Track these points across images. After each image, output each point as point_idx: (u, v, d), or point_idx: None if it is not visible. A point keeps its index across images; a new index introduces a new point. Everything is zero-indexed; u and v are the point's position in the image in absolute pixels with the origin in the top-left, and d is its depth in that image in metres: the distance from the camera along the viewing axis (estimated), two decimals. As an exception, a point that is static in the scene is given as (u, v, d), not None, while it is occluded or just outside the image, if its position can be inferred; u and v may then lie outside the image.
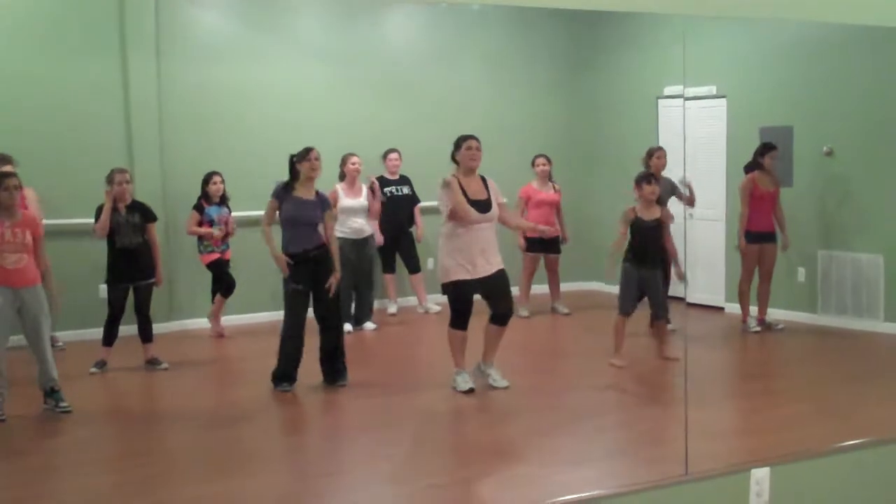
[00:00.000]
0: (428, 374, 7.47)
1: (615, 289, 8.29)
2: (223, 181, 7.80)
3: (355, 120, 8.77)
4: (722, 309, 8.82)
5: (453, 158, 7.01)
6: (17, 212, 6.14)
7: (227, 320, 7.89)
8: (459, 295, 6.79)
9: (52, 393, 6.20)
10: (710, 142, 8.55)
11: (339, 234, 7.74)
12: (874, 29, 5.61)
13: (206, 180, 7.77)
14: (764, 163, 8.03)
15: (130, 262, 6.90)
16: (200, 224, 7.73)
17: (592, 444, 5.88)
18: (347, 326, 8.03)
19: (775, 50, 8.21)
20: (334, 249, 7.15)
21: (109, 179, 6.94)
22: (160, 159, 7.75)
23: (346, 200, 8.22)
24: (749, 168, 8.11)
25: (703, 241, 8.50)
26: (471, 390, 6.72)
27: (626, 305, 7.36)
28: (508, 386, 6.82)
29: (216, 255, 7.77)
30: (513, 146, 9.72)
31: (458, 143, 6.99)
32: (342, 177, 8.31)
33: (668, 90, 8.84)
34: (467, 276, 6.73)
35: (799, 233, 8.00)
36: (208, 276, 7.78)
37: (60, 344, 6.97)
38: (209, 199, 7.76)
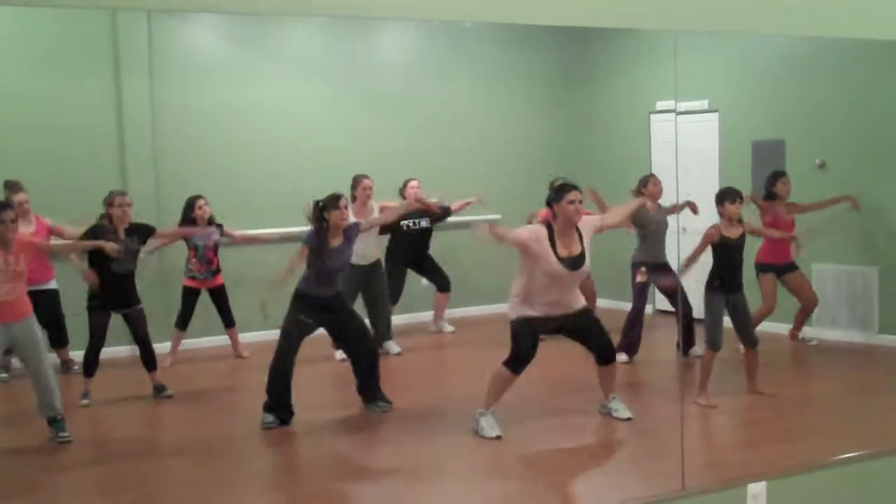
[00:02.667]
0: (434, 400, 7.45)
1: (608, 303, 8.34)
2: (208, 203, 7.62)
3: (349, 137, 8.78)
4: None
5: (549, 204, 6.22)
6: (11, 240, 5.91)
7: (195, 343, 7.82)
8: (524, 332, 6.12)
9: (53, 422, 6.06)
10: (703, 156, 8.57)
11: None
12: (865, 43, 5.64)
13: (191, 205, 7.58)
14: (779, 190, 7.77)
15: (119, 289, 6.68)
16: (188, 249, 7.55)
17: (589, 460, 5.88)
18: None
19: (767, 64, 8.24)
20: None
21: (109, 202, 6.70)
22: (154, 178, 7.76)
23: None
24: (765, 199, 7.83)
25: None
26: (498, 437, 6.05)
27: (718, 339, 6.73)
28: (631, 418, 6.34)
29: (200, 283, 7.60)
30: (506, 161, 9.76)
31: (560, 192, 6.13)
32: (352, 199, 7.97)
33: (660, 105, 8.87)
34: (537, 314, 6.12)
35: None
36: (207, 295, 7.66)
37: (76, 368, 6.89)
38: (196, 224, 7.57)
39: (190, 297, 7.60)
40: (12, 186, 6.91)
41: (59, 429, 6.06)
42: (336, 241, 6.60)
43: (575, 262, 6.03)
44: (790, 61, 7.98)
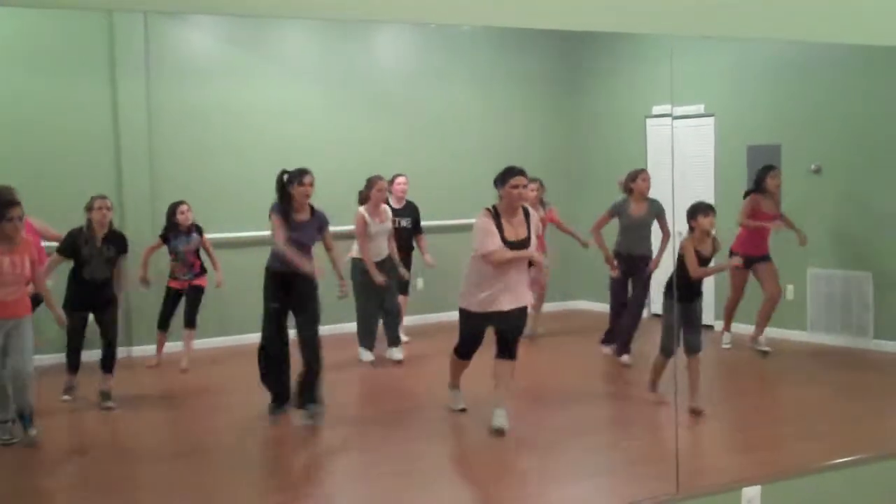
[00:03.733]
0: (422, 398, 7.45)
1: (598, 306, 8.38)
2: (190, 209, 7.55)
3: (347, 140, 8.75)
4: (711, 327, 8.83)
5: (496, 185, 6.60)
6: (17, 240, 5.88)
7: (207, 343, 7.69)
8: (470, 326, 6.63)
9: (21, 418, 6.00)
10: (699, 160, 8.57)
11: (361, 256, 7.77)
12: (861, 48, 5.65)
13: (173, 210, 7.50)
14: (767, 184, 7.89)
15: (93, 293, 6.62)
16: (168, 252, 7.48)
17: (583, 463, 5.88)
18: (368, 355, 7.97)
19: (763, 68, 8.25)
20: (340, 268, 7.09)
21: (89, 206, 6.70)
22: (149, 180, 7.73)
23: (374, 226, 7.97)
24: (751, 191, 7.98)
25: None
26: (462, 410, 6.68)
27: (671, 346, 6.89)
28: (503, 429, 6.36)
29: (182, 284, 7.51)
30: (503, 165, 9.73)
31: (505, 177, 6.51)
32: (364, 200, 8.04)
33: (656, 109, 8.87)
34: (478, 309, 6.54)
35: (787, 250, 8.00)
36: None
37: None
38: (176, 229, 7.50)
39: (170, 296, 7.52)
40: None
41: (26, 425, 6.00)
42: (301, 216, 6.75)
43: (520, 245, 6.38)
44: (786, 66, 8.00)
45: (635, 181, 7.93)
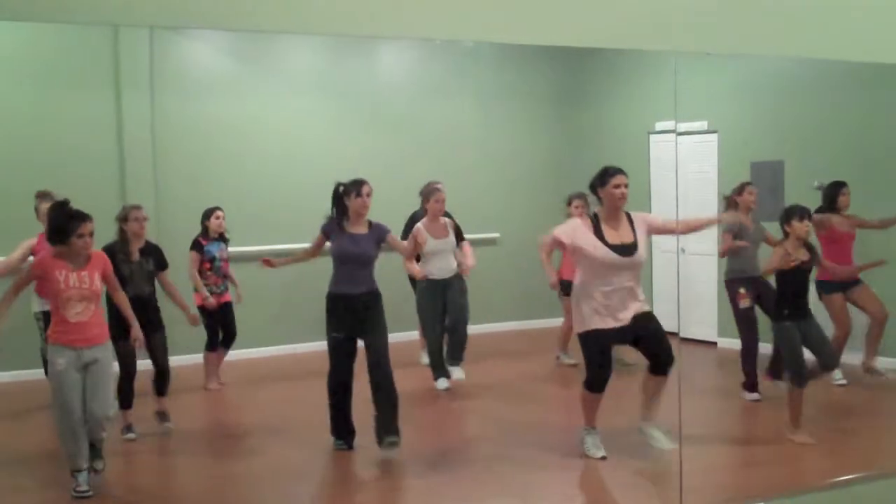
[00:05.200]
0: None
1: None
2: (224, 217, 7.53)
3: (349, 154, 8.78)
4: (715, 344, 8.83)
5: (593, 189, 6.03)
6: (87, 256, 5.47)
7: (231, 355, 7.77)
8: (596, 346, 5.90)
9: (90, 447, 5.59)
10: (702, 176, 8.59)
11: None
12: (863, 65, 5.65)
13: (208, 215, 7.47)
14: (840, 203, 7.34)
15: (139, 313, 6.03)
16: (202, 263, 7.43)
17: (586, 481, 5.86)
18: (443, 383, 7.64)
19: (766, 86, 8.27)
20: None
21: (123, 217, 6.41)
22: (154, 195, 7.75)
23: (432, 242, 7.60)
24: (822, 210, 7.35)
25: (696, 276, 8.50)
26: (603, 458, 5.94)
27: (802, 372, 6.23)
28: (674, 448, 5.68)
29: (215, 299, 7.46)
30: (505, 179, 9.79)
31: (604, 177, 5.92)
32: (424, 212, 7.75)
33: (659, 125, 8.90)
34: (604, 326, 5.86)
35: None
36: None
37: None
38: (208, 234, 7.48)
39: (211, 317, 7.49)
40: (42, 196, 6.65)
41: (96, 455, 5.62)
42: (356, 229, 6.23)
43: (626, 250, 5.80)
44: (789, 83, 8.02)
45: (741, 194, 7.29)
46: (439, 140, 9.42)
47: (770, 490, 5.25)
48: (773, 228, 7.99)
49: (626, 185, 5.84)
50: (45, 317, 6.09)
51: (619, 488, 5.77)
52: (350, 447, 6.24)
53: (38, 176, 7.25)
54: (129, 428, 6.45)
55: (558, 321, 8.71)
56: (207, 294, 7.38)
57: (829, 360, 6.38)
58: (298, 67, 9.09)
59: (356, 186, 6.21)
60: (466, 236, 7.85)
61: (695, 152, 8.66)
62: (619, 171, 5.89)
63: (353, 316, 6.14)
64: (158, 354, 6.53)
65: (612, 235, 5.81)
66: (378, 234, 6.27)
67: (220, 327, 7.59)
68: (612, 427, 6.15)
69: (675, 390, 6.71)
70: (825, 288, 7.20)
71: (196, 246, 7.43)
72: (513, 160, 9.87)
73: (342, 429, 6.26)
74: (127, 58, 7.89)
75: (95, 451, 5.61)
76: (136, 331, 5.93)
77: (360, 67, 9.22)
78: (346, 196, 6.22)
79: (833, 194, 7.38)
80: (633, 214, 5.93)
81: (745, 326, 7.18)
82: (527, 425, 6.80)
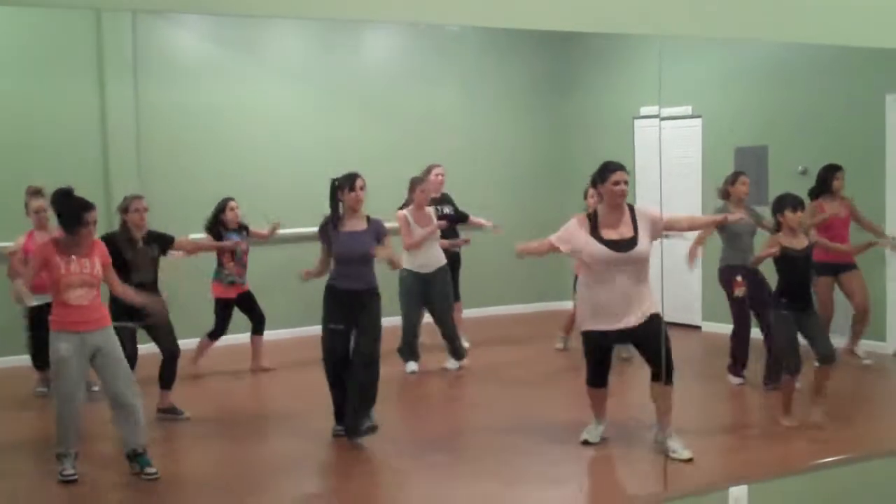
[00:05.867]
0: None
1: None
2: (238, 206, 7.59)
3: (334, 139, 8.78)
4: (699, 328, 8.86)
5: (594, 184, 5.97)
6: (89, 244, 5.49)
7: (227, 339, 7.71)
8: (594, 345, 5.90)
9: (135, 457, 5.51)
10: (686, 161, 8.61)
11: (405, 267, 7.48)
12: (846, 50, 5.67)
13: (222, 207, 7.52)
14: (834, 186, 7.31)
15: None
16: (222, 253, 7.44)
17: (571, 464, 5.88)
18: (412, 366, 7.86)
19: (750, 71, 8.29)
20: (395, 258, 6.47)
21: (124, 208, 6.41)
22: (138, 180, 7.70)
23: (418, 231, 7.77)
24: (816, 194, 7.36)
25: (680, 261, 8.51)
26: (586, 442, 5.99)
27: (797, 361, 6.31)
28: (692, 459, 5.65)
29: (234, 290, 7.50)
30: (490, 165, 9.78)
31: (604, 173, 5.79)
32: (408, 202, 7.85)
33: (644, 110, 8.90)
34: (606, 327, 5.80)
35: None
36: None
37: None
38: (226, 226, 7.50)
39: (226, 308, 7.52)
40: (33, 193, 6.77)
41: (144, 463, 5.50)
42: (354, 226, 6.21)
43: (623, 245, 5.68)
44: (773, 68, 8.04)
45: (734, 185, 7.22)
46: (424, 125, 9.41)
47: (753, 473, 5.28)
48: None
49: (626, 182, 5.72)
50: (31, 312, 6.18)
51: (601, 472, 5.80)
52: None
53: (20, 160, 7.23)
54: (175, 409, 6.53)
55: (530, 306, 8.76)
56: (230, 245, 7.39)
57: (826, 352, 6.35)
58: (283, 54, 9.05)
59: (349, 181, 6.19)
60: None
61: (679, 137, 8.67)
62: (620, 168, 5.76)
63: (350, 311, 6.15)
64: (163, 339, 6.43)
65: (609, 232, 5.71)
66: (377, 231, 6.25)
67: (247, 315, 7.61)
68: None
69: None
70: (816, 269, 7.02)
71: (214, 232, 7.47)
72: (497, 146, 9.86)
73: (341, 414, 6.23)
74: (110, 43, 7.83)
75: (142, 458, 5.50)
76: (143, 298, 5.87)
77: (344, 53, 9.18)
78: (340, 191, 6.19)
79: (827, 178, 7.34)
80: (638, 209, 5.81)
81: (739, 314, 7.20)
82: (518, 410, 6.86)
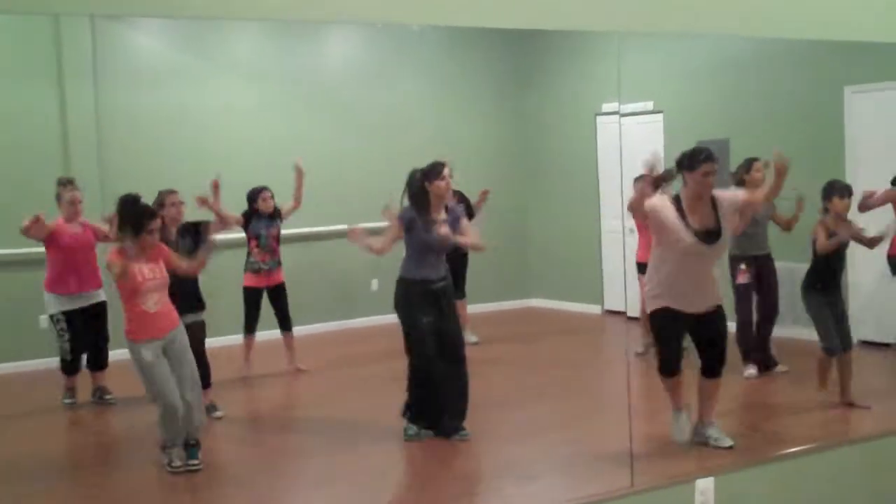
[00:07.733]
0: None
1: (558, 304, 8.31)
2: (273, 196, 7.56)
3: (297, 140, 8.75)
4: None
5: (679, 169, 5.71)
6: (153, 249, 5.65)
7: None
8: (666, 323, 5.69)
9: (188, 446, 5.67)
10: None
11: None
12: (806, 42, 5.73)
13: (254, 197, 7.53)
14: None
15: (180, 296, 5.93)
16: (248, 240, 7.43)
17: (537, 460, 5.90)
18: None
19: (710, 65, 8.34)
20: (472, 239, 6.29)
21: (159, 203, 6.40)
22: (99, 183, 7.65)
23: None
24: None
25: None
26: (686, 442, 5.83)
27: (835, 342, 6.48)
28: (732, 446, 5.72)
29: (262, 280, 7.44)
30: (452, 163, 9.76)
31: (694, 161, 5.60)
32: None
33: (605, 106, 8.94)
34: (680, 308, 5.63)
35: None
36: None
37: (110, 398, 6.62)
38: (259, 215, 7.51)
39: (253, 298, 7.47)
40: (66, 184, 6.78)
41: (193, 455, 5.68)
42: (438, 215, 6.09)
43: (710, 236, 5.53)
44: (733, 62, 8.08)
45: (749, 172, 7.12)
46: (386, 124, 9.40)
47: (719, 466, 5.32)
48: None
49: (714, 173, 5.55)
50: (64, 317, 6.47)
51: (567, 468, 5.81)
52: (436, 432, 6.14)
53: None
54: (213, 407, 6.50)
55: (521, 302, 8.77)
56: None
57: (845, 339, 6.51)
58: (243, 55, 9.03)
59: (437, 168, 6.10)
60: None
61: (641, 133, 8.70)
62: (711, 158, 5.57)
63: (436, 302, 6.07)
64: (194, 341, 6.17)
65: (695, 220, 5.54)
66: (453, 217, 6.17)
67: (273, 310, 7.57)
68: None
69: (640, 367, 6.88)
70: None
71: (246, 215, 7.48)
72: (460, 143, 9.84)
73: (428, 413, 6.11)
74: (69, 47, 7.78)
75: (192, 450, 5.67)
76: (201, 256, 6.02)
77: (306, 53, 9.17)
78: (427, 181, 6.07)
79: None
80: (719, 196, 5.64)
81: (742, 302, 7.27)
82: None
